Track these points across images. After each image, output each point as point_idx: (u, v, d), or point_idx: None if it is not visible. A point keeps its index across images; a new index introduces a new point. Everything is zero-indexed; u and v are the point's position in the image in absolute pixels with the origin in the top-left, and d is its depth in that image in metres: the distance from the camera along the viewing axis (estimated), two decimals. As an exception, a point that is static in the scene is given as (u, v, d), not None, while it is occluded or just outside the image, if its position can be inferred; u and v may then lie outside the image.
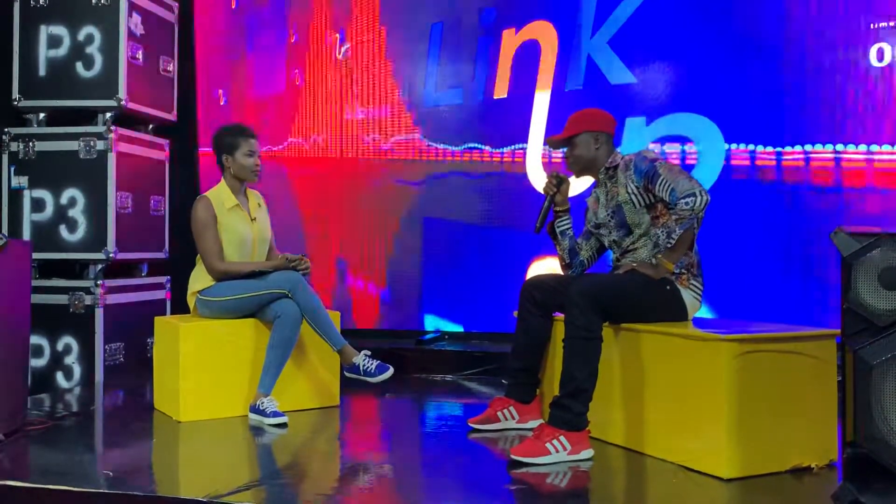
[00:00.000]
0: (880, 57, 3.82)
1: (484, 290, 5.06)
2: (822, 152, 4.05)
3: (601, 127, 3.26)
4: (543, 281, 3.37)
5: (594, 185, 3.40)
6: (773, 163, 4.28)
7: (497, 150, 5.05)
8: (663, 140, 4.51)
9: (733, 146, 4.32)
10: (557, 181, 3.36)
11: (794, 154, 4.14)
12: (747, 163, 4.32)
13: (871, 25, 3.84)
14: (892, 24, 3.66)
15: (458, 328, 5.15)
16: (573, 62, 4.80)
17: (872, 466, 2.21)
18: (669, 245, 3.00)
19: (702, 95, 4.40)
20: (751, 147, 4.29)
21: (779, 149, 4.25)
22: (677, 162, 4.41)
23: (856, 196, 4.07)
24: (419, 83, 5.26)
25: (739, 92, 4.33)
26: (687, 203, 2.92)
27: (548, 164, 4.88)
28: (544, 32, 4.89)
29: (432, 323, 5.22)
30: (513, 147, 4.99)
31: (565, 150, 3.32)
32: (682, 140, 4.43)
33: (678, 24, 4.44)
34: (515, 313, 3.37)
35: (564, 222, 3.43)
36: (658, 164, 3.05)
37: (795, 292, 4.40)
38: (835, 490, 2.29)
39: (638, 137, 4.58)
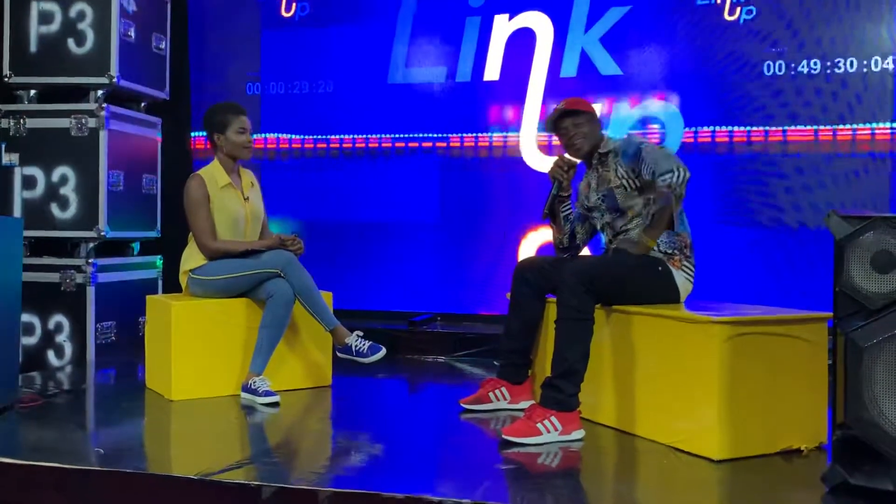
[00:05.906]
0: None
1: (475, 275, 5.08)
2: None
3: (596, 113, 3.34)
4: (536, 262, 3.38)
5: (585, 170, 3.41)
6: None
7: (484, 134, 5.10)
8: (643, 120, 4.85)
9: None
10: (567, 165, 3.36)
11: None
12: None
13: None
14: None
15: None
16: (568, 52, 4.98)
17: (861, 448, 2.22)
18: (648, 222, 3.06)
19: (670, 86, 4.84)
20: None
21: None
22: (657, 140, 4.72)
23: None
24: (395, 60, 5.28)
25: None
26: (664, 179, 2.96)
27: (547, 146, 4.93)
28: (539, 22, 5.02)
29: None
30: (484, 131, 5.11)
31: (574, 127, 3.24)
32: (654, 121, 4.86)
33: (655, 30, 4.86)
34: (508, 295, 3.37)
35: (567, 207, 3.44)
36: (643, 148, 3.10)
37: (786, 275, 4.49)
38: (824, 472, 2.31)
39: (622, 120, 4.88)
